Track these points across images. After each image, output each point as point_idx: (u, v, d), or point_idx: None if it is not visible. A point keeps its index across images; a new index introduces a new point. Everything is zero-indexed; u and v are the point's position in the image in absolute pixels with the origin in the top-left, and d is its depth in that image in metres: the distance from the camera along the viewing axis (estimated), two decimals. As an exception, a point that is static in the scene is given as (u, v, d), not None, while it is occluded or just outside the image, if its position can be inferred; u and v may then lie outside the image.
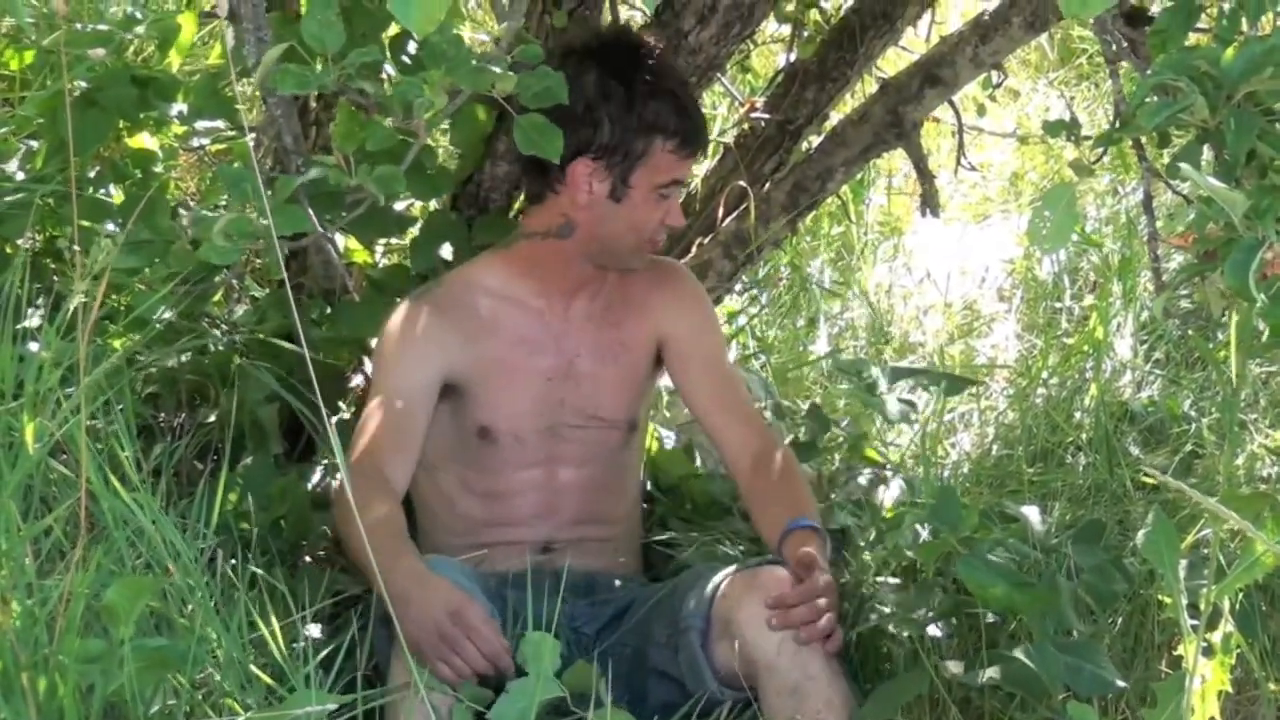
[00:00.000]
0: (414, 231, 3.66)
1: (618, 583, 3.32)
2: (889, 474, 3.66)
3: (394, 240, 4.10)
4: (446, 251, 3.57)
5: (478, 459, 3.30)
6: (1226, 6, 2.59)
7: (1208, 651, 2.65)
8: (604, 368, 3.36)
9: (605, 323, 3.38)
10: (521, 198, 3.55)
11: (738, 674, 3.02)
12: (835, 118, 4.29)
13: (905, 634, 3.10)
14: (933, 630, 3.12)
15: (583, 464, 3.34)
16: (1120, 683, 2.92)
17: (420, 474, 3.26)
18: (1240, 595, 2.88)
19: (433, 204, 3.72)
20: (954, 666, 3.06)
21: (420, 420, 3.23)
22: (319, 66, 2.87)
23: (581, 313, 3.36)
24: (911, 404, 3.57)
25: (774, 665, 2.96)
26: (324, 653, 2.80)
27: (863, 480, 3.64)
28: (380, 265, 3.90)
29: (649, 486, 3.66)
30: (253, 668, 2.70)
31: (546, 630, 2.78)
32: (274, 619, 2.75)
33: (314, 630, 2.93)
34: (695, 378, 3.41)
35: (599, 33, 3.48)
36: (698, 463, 3.77)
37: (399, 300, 3.40)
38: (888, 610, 3.13)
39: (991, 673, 2.99)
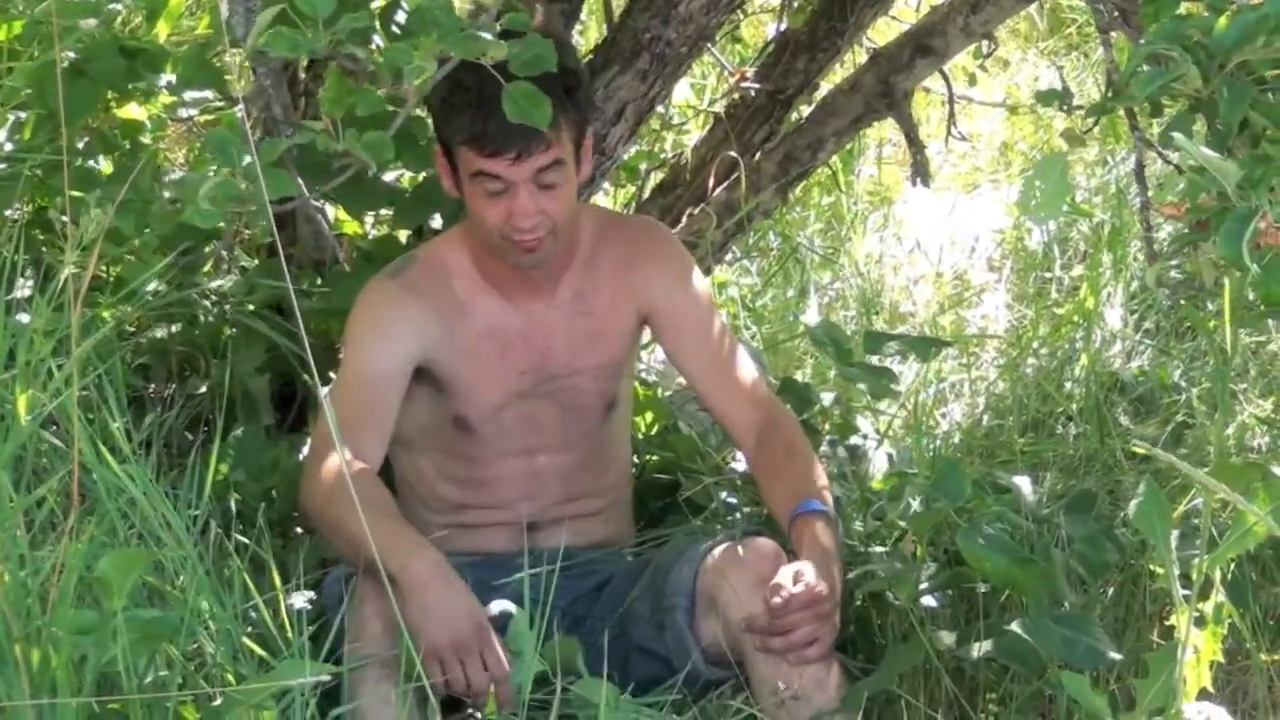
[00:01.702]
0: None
1: (599, 555, 3.29)
2: (876, 444, 3.65)
3: (384, 211, 4.10)
4: (437, 222, 3.57)
5: (455, 446, 3.26)
6: (1219, -25, 2.58)
7: (1199, 622, 2.66)
8: (578, 358, 3.28)
9: (577, 312, 3.28)
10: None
11: (724, 650, 3.01)
12: (825, 87, 4.29)
13: (898, 601, 3.10)
14: (928, 600, 3.12)
15: (562, 449, 3.30)
16: (1115, 654, 2.93)
17: (399, 451, 3.24)
18: (1232, 565, 2.88)
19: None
20: (947, 637, 3.06)
21: (393, 399, 3.16)
22: (309, 33, 2.86)
23: (551, 303, 3.27)
24: (888, 371, 3.53)
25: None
26: (318, 624, 2.81)
27: (853, 444, 3.62)
28: (370, 236, 3.89)
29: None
30: (245, 639, 2.70)
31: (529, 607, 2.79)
32: (265, 590, 2.75)
33: (305, 600, 2.92)
34: (687, 349, 3.33)
35: None
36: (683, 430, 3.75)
37: None
38: (880, 575, 3.12)
39: (987, 646, 2.99)
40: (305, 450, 3.26)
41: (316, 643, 2.76)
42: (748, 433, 3.28)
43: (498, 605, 2.87)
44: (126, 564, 2.36)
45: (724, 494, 3.46)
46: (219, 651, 2.62)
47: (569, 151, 3.09)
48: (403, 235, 3.77)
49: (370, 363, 3.17)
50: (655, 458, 3.67)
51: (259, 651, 2.70)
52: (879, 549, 3.24)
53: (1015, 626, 2.95)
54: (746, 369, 3.34)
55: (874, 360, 3.56)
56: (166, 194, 3.11)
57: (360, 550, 2.78)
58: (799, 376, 4.26)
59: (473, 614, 2.84)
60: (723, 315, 3.47)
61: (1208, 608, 2.67)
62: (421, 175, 3.67)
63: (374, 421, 3.13)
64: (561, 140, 3.07)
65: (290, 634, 2.72)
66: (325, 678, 2.51)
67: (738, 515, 3.42)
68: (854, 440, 3.66)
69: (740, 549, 3.03)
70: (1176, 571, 2.63)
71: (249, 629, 2.77)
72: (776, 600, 2.91)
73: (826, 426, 3.68)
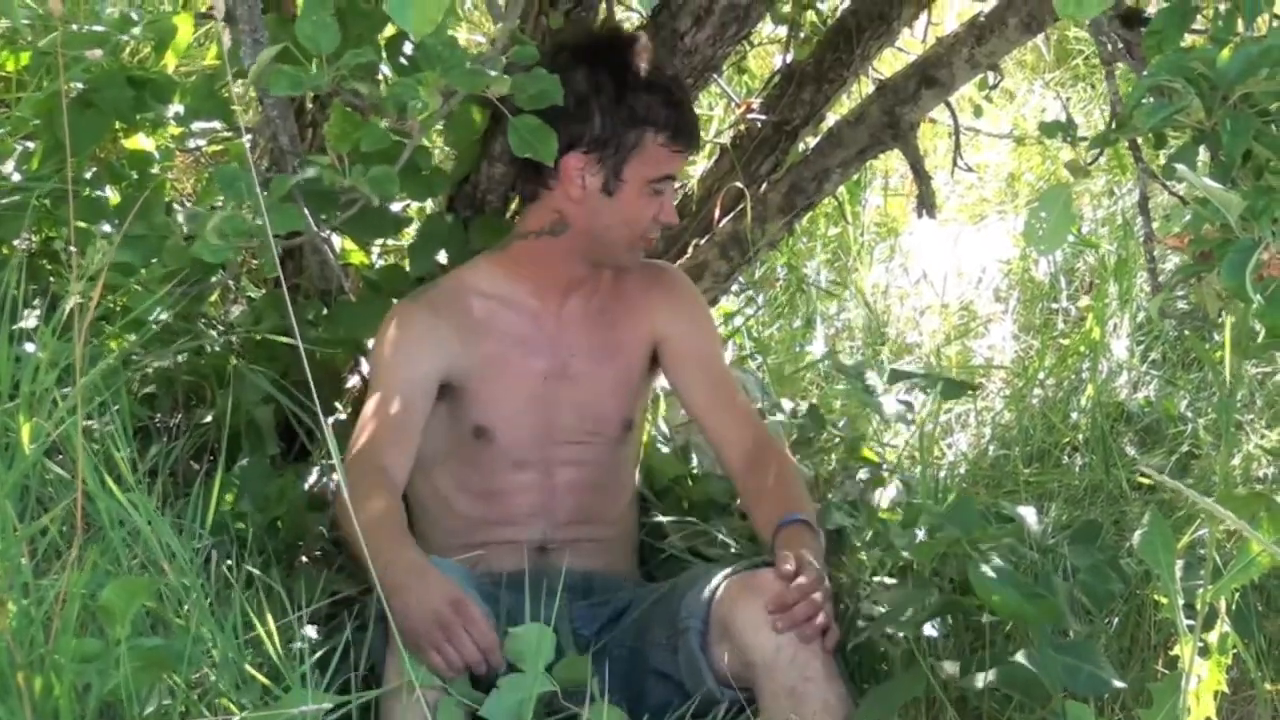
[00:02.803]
0: (410, 233, 3.66)
1: (618, 583, 3.31)
2: (885, 474, 3.65)
3: (390, 241, 4.11)
4: (443, 256, 3.57)
5: (474, 458, 3.30)
6: (1222, 8, 2.59)
7: (1204, 652, 2.65)
8: (599, 367, 3.36)
9: (600, 323, 3.38)
10: (516, 199, 3.56)
11: (735, 675, 3.02)
12: (832, 119, 4.29)
13: (901, 634, 3.10)
14: (929, 630, 3.12)
15: (579, 464, 3.34)
16: (1118, 683, 2.92)
17: (416, 475, 3.26)
18: (1236, 595, 2.88)
19: (429, 205, 3.72)
20: (950, 667, 3.06)
21: (418, 417, 3.23)
22: (314, 68, 2.87)
23: (576, 313, 3.36)
24: (909, 404, 3.57)
25: (772, 666, 2.95)
26: (319, 653, 2.80)
27: (860, 478, 3.63)
28: (377, 266, 3.90)
29: (645, 491, 3.65)
30: (248, 667, 2.70)
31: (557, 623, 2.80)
32: (270, 619, 2.75)
33: (310, 630, 2.92)
34: (691, 378, 3.42)
35: (590, 30, 3.48)
36: (694, 463, 3.77)
37: (395, 301, 3.41)
38: (884, 609, 3.12)
39: (990, 675, 2.98)
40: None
41: (324, 672, 2.76)
42: (740, 457, 3.37)
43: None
44: (129, 593, 2.37)
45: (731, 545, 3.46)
46: (222, 680, 2.61)
47: None
48: (409, 265, 3.78)
49: (397, 381, 3.23)
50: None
51: (262, 680, 2.69)
52: (887, 579, 3.24)
53: (1020, 657, 2.94)
54: (742, 400, 3.46)
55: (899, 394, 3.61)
56: (181, 228, 3.12)
57: (367, 571, 2.78)
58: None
59: (448, 593, 2.85)
60: (727, 352, 3.49)
61: (1212, 637, 2.66)
62: (428, 204, 3.69)
63: (400, 438, 3.19)
64: None
65: (297, 664, 2.72)
66: (327, 706, 2.51)
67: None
68: (862, 471, 3.67)
69: (752, 579, 3.05)
70: (1181, 601, 2.63)
71: (256, 660, 2.76)
72: (787, 567, 3.00)
73: (833, 458, 3.69)
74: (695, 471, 3.74)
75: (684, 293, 3.50)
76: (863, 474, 3.67)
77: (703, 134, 4.82)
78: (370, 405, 3.22)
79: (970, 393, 4.32)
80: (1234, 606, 2.85)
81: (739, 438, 3.38)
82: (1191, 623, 2.63)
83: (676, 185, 3.38)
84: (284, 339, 3.51)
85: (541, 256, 3.31)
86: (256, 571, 2.96)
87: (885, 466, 3.71)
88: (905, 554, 3.18)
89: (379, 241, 4.00)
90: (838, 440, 3.79)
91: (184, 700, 2.50)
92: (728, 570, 3.11)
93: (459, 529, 3.30)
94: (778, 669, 2.95)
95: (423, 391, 3.24)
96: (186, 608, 2.67)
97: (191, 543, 2.81)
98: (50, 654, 2.29)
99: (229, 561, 2.91)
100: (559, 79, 3.01)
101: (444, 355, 3.27)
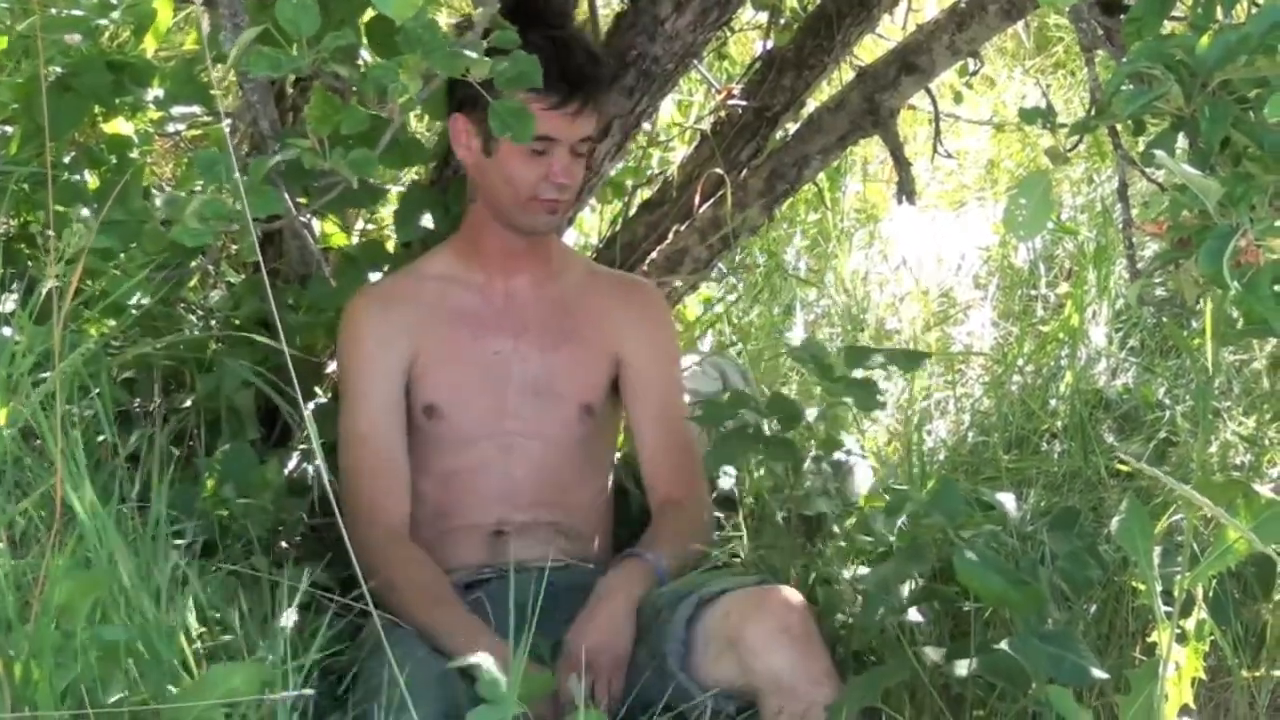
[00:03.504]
0: (392, 201, 3.68)
1: (584, 574, 3.28)
2: (861, 460, 3.64)
3: (368, 221, 4.11)
4: (428, 221, 3.59)
5: (428, 438, 3.32)
6: (1202, -5, 2.59)
7: (1181, 638, 2.66)
8: (554, 347, 3.36)
9: (556, 309, 3.38)
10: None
11: (739, 690, 3.01)
12: (812, 105, 4.29)
13: (885, 619, 3.10)
14: (913, 615, 3.12)
15: (534, 438, 3.33)
16: (1100, 674, 2.92)
17: None
18: (1214, 582, 2.89)
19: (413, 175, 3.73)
20: (933, 653, 3.06)
21: (398, 437, 3.30)
22: (294, 50, 2.86)
23: (526, 290, 3.37)
24: (872, 384, 3.51)
25: (788, 689, 2.93)
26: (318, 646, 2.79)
27: (837, 459, 3.61)
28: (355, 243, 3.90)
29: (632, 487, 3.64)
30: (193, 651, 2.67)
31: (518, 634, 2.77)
32: (254, 604, 2.75)
33: (290, 616, 2.90)
34: (642, 412, 3.43)
35: None
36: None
37: (370, 276, 3.50)
38: (868, 589, 3.12)
39: (973, 663, 2.99)
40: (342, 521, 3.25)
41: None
42: (659, 500, 3.39)
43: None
44: (87, 587, 2.37)
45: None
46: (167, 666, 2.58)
47: (595, 134, 3.25)
48: (390, 245, 3.78)
49: (367, 406, 3.30)
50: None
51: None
52: (863, 569, 3.23)
53: (1004, 645, 2.95)
54: (685, 443, 3.44)
55: (857, 375, 3.55)
56: (159, 213, 3.11)
57: (427, 635, 3.03)
58: (785, 392, 4.26)
59: (502, 654, 2.75)
60: (709, 337, 3.47)
61: (1190, 624, 2.67)
62: (412, 175, 3.70)
63: (393, 484, 3.28)
64: (599, 117, 3.26)
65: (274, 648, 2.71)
66: (309, 692, 2.49)
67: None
68: (838, 456, 3.66)
69: (764, 597, 3.03)
70: (1159, 588, 2.64)
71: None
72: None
73: (811, 442, 3.67)
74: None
75: (655, 317, 3.48)
76: (839, 459, 3.65)
77: (683, 120, 4.83)
78: (349, 436, 3.29)
79: (930, 367, 4.31)
80: (1211, 593, 2.86)
81: (666, 487, 3.39)
82: (1169, 609, 2.64)
83: (584, 148, 3.26)
84: (264, 327, 3.51)
85: (478, 228, 3.35)
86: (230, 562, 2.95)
87: (862, 452, 3.71)
88: (890, 539, 3.18)
89: (359, 224, 3.99)
90: (814, 424, 3.76)
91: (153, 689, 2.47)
92: (710, 589, 3.09)
93: (423, 519, 3.31)
94: (797, 691, 2.93)
95: (394, 403, 3.30)
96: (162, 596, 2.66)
97: (169, 529, 2.80)
98: (31, 639, 2.29)
99: (212, 546, 2.91)
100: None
101: (398, 352, 3.31)
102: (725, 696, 3.03)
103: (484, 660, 2.60)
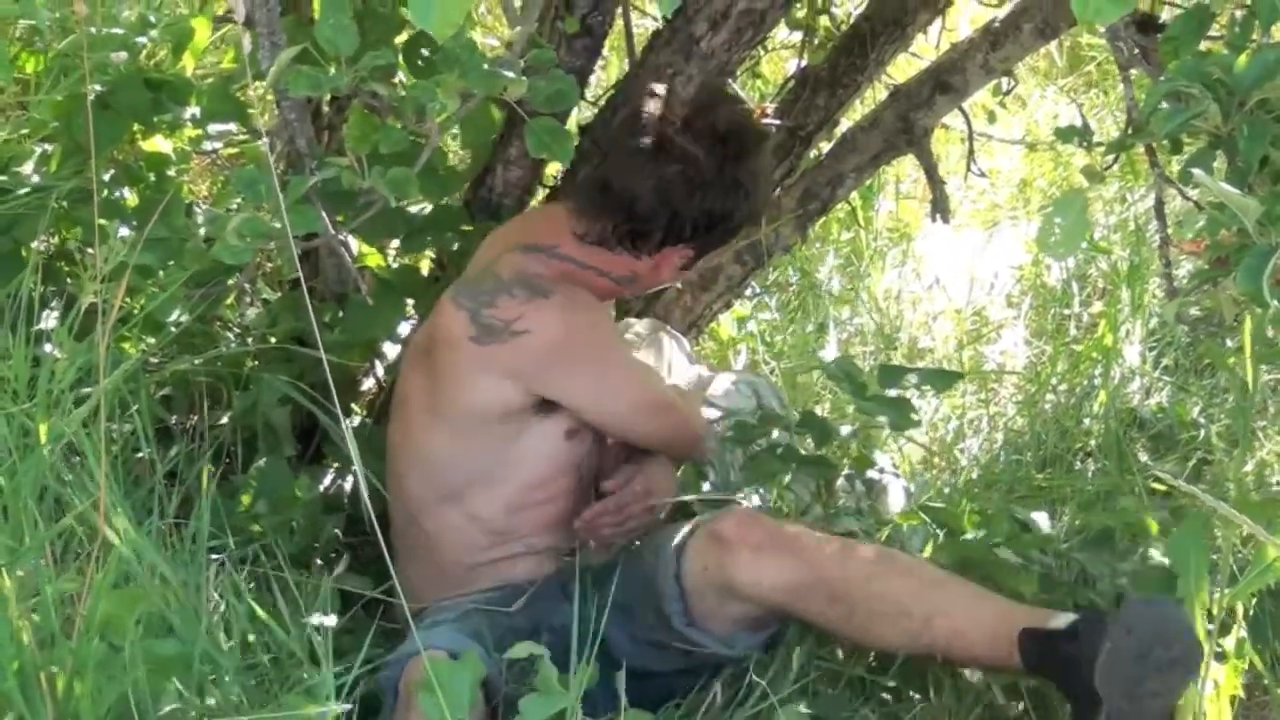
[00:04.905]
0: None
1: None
2: (895, 478, 3.64)
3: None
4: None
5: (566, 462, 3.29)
6: (1239, 14, 2.59)
7: (1220, 656, 2.66)
8: None
9: None
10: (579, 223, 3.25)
11: (752, 622, 3.06)
12: (845, 124, 4.29)
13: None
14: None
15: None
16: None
17: (446, 507, 3.21)
18: (1253, 600, 2.88)
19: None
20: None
21: None
22: (332, 69, 2.88)
23: None
24: (907, 402, 3.51)
25: (807, 585, 2.98)
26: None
27: (870, 477, 3.61)
28: (393, 267, 3.91)
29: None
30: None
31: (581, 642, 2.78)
32: (288, 619, 2.75)
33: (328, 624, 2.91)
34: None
35: (721, 112, 3.22)
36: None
37: (408, 301, 3.47)
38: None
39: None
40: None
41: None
42: None
43: (524, 648, 2.82)
44: (131, 602, 2.38)
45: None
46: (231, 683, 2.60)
47: None
48: (425, 266, 3.79)
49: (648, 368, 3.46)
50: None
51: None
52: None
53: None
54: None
55: (891, 394, 3.55)
56: (201, 231, 3.13)
57: None
58: (818, 411, 4.26)
59: None
60: (743, 355, 3.42)
61: (1229, 643, 2.67)
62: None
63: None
64: None
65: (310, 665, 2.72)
66: (346, 707, 2.51)
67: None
68: (871, 474, 3.66)
69: (720, 529, 3.05)
70: (1208, 605, 2.64)
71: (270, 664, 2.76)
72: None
73: (845, 460, 3.68)
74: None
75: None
76: (871, 478, 3.65)
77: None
78: (662, 399, 3.33)
79: (963, 386, 4.30)
80: (1250, 612, 2.85)
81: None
82: (1209, 627, 2.64)
83: None
84: (300, 344, 3.52)
85: (589, 285, 3.28)
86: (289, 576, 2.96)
87: (895, 470, 3.70)
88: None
89: (394, 244, 4.00)
90: (846, 442, 3.76)
91: (199, 710, 2.49)
92: (677, 539, 3.10)
93: (487, 545, 3.24)
94: (813, 581, 2.98)
95: None
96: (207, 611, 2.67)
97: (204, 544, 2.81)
98: (75, 654, 2.30)
99: (245, 562, 2.92)
100: (685, 154, 3.09)
101: None
102: (749, 641, 3.08)
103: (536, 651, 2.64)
